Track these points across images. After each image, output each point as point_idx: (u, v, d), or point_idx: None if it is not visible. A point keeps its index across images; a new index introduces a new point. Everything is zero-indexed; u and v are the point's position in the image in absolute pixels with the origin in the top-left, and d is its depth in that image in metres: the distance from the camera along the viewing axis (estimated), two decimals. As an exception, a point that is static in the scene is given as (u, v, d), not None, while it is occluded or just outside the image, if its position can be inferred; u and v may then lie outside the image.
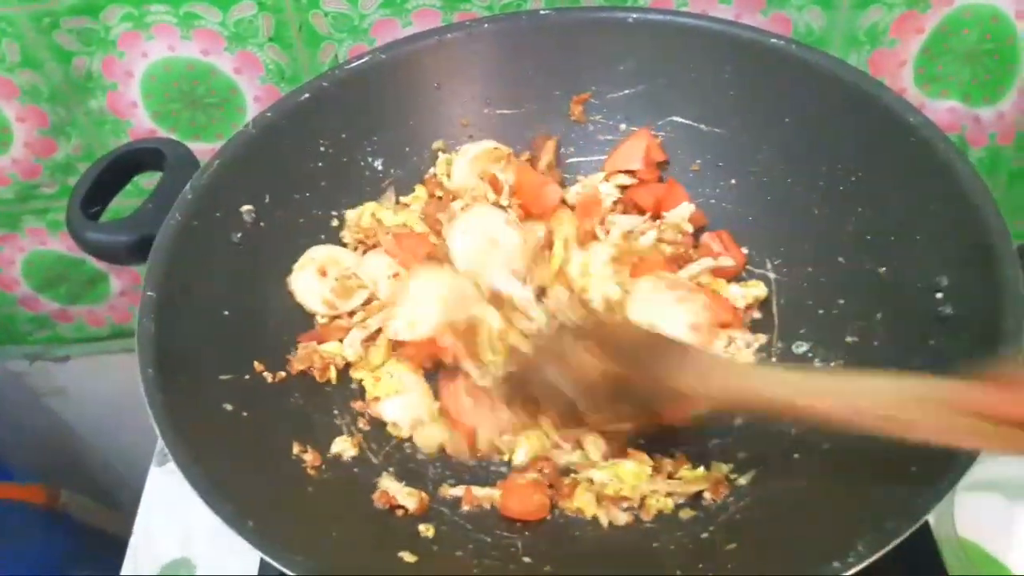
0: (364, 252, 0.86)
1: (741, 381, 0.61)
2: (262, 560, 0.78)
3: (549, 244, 0.85)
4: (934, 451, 0.52)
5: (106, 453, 1.51)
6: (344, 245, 0.86)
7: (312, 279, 0.82)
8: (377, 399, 0.77)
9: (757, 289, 0.82)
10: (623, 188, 0.89)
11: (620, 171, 0.88)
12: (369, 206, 0.87)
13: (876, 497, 0.56)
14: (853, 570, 0.50)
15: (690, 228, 0.85)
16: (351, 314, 0.83)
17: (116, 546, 0.90)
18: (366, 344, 0.81)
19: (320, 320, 0.82)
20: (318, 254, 0.84)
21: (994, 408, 0.46)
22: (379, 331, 0.81)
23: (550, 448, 0.73)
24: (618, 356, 0.63)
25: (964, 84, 1.00)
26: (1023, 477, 0.78)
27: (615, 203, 0.88)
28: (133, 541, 0.91)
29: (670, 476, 0.70)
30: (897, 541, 0.51)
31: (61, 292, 1.27)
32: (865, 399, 0.53)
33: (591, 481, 0.70)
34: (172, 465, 0.92)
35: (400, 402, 0.77)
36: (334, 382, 0.77)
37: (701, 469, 0.70)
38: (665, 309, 0.79)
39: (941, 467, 0.53)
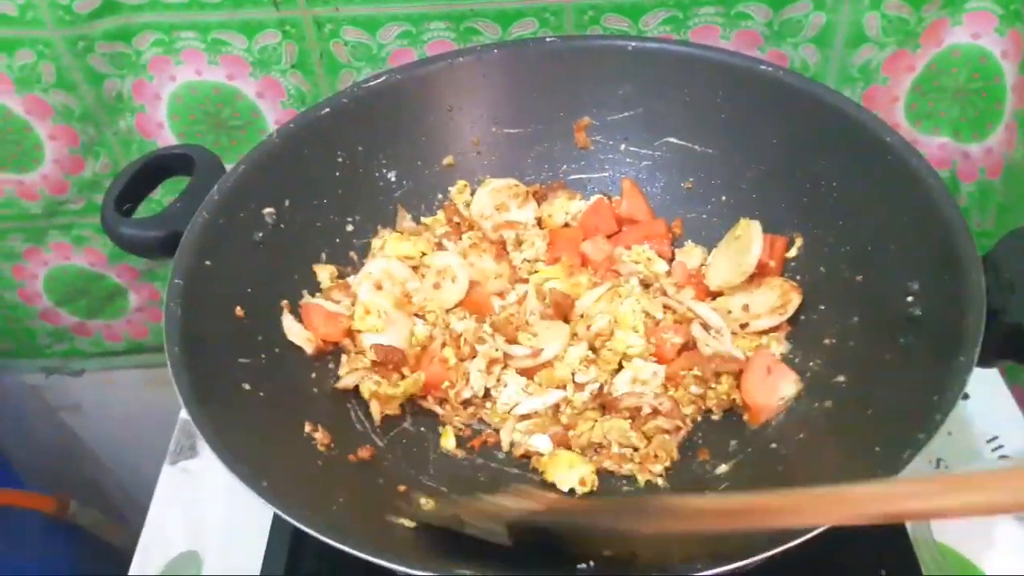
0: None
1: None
2: (266, 553, 0.83)
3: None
4: (892, 439, 0.57)
5: (116, 467, 1.53)
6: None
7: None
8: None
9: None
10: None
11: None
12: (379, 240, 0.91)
13: (840, 475, 0.60)
14: (813, 532, 0.53)
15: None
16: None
17: (121, 559, 0.92)
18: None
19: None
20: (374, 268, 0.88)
21: None
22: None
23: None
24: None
25: (954, 121, 1.04)
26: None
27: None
28: (144, 534, 0.93)
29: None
30: None
31: (81, 306, 1.30)
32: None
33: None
34: (184, 463, 0.98)
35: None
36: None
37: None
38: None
39: (897, 453, 0.57)
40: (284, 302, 0.82)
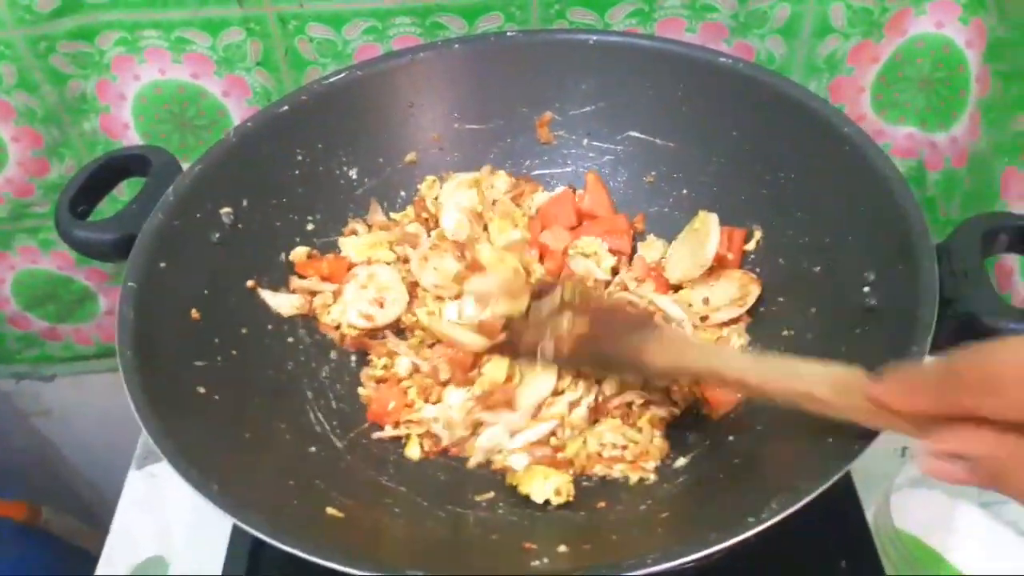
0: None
1: (697, 357, 0.68)
2: (227, 557, 0.82)
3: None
4: (846, 429, 0.57)
5: (89, 472, 1.51)
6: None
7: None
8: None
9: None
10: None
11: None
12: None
13: (795, 466, 0.61)
14: (766, 524, 0.53)
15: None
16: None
17: (95, 565, 0.91)
18: None
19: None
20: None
21: (883, 398, 0.52)
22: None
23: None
24: (596, 324, 0.70)
25: (920, 111, 1.04)
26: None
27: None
28: (110, 539, 0.93)
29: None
30: (806, 500, 0.54)
31: (50, 311, 1.28)
32: (792, 379, 0.60)
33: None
34: (150, 468, 0.97)
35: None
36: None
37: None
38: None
39: (851, 443, 0.57)
40: (250, 282, 0.82)
